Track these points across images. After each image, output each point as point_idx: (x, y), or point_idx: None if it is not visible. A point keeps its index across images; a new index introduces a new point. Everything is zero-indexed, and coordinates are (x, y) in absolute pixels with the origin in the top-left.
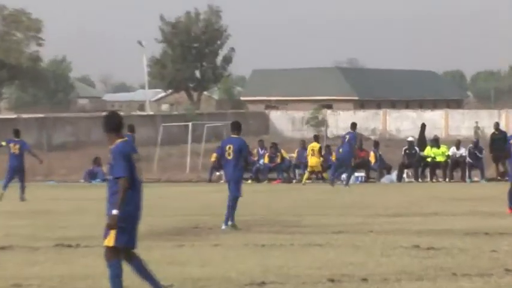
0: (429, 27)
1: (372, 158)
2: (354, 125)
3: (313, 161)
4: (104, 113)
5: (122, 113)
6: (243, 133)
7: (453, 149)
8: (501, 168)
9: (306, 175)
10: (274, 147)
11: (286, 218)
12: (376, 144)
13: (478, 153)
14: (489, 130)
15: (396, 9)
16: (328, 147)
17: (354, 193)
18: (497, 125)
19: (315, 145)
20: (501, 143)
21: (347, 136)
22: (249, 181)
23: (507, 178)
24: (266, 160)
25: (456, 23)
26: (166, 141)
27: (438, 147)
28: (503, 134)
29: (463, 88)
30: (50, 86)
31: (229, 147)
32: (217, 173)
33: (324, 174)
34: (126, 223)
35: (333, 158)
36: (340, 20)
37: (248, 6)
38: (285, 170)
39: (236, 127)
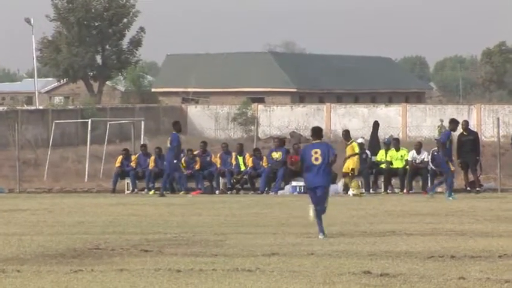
0: (385, 4)
1: None
2: (453, 122)
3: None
4: None
5: (4, 107)
6: (154, 132)
7: (413, 153)
8: (471, 177)
9: (355, 183)
10: (204, 146)
11: (207, 237)
12: None
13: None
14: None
15: None
16: (257, 150)
17: (290, 207)
18: (466, 124)
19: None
20: (471, 146)
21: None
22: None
23: (478, 188)
24: (183, 165)
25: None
26: (60, 142)
27: (397, 149)
28: (474, 134)
29: (424, 78)
30: None
31: (316, 152)
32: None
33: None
34: None
35: (264, 163)
36: None
37: None
38: (206, 179)
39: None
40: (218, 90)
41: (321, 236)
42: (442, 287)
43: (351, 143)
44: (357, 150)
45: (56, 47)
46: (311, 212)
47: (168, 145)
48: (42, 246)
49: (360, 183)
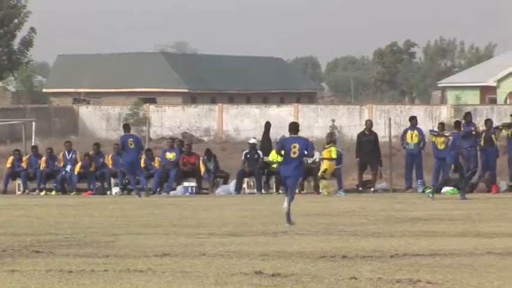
0: (276, 4)
1: (201, 169)
2: (457, 124)
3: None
4: None
5: None
6: (45, 132)
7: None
8: (366, 177)
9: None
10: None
11: (99, 238)
12: (208, 152)
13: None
14: (348, 130)
15: None
16: (149, 151)
17: (182, 207)
18: (369, 124)
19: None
20: (371, 146)
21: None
22: (53, 192)
23: (372, 188)
24: (77, 170)
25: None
26: None
27: None
28: (374, 135)
29: (316, 79)
30: None
31: (295, 146)
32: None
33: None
34: None
35: (157, 164)
36: None
37: None
38: (98, 179)
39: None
40: (110, 91)
41: (287, 225)
42: (334, 287)
43: (330, 147)
44: (334, 155)
45: None
46: (285, 204)
47: (131, 146)
48: None
49: (331, 183)
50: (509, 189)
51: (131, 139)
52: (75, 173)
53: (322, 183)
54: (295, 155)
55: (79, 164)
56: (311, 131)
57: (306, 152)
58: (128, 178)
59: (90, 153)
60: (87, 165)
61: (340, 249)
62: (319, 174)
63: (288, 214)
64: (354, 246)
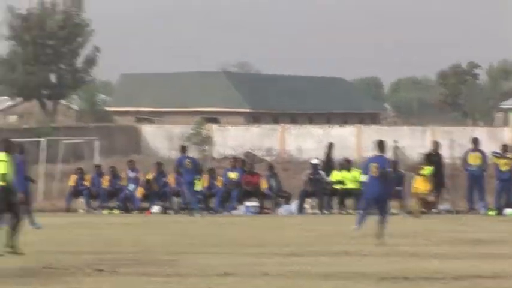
0: (339, 25)
1: (263, 184)
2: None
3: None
4: None
5: None
6: (108, 151)
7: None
8: (431, 198)
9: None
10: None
11: (161, 256)
12: (271, 168)
13: (396, 180)
14: (411, 151)
15: (296, 2)
16: (212, 170)
17: (244, 227)
18: (437, 145)
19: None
20: (437, 167)
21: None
22: (115, 211)
23: (435, 210)
24: (140, 194)
25: (371, 20)
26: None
27: (348, 170)
28: (439, 156)
29: (379, 99)
30: None
31: (374, 166)
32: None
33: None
34: None
35: (219, 183)
36: (228, 14)
37: None
38: (161, 198)
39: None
40: (172, 110)
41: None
42: None
43: (425, 166)
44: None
45: (11, 66)
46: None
47: (188, 167)
48: None
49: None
50: None
51: (188, 160)
52: (137, 196)
53: (415, 204)
54: (376, 174)
55: (140, 189)
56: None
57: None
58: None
59: (150, 177)
60: (148, 188)
61: (402, 271)
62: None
63: (379, 234)
64: (416, 268)
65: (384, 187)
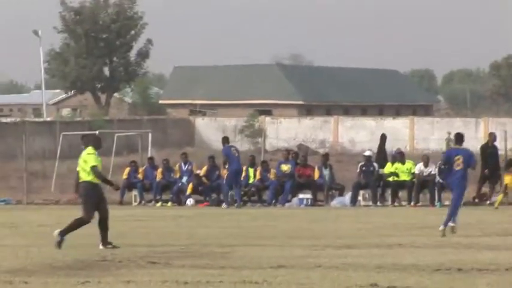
0: (392, 17)
1: (315, 174)
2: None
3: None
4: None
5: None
6: (161, 144)
7: (420, 166)
8: (484, 190)
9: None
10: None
11: (214, 249)
12: (325, 158)
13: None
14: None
15: None
16: (265, 162)
17: (297, 219)
18: (494, 137)
19: None
20: (493, 159)
21: None
22: (168, 203)
23: (488, 201)
24: (189, 191)
25: (425, 11)
26: (68, 153)
27: (403, 162)
28: (495, 148)
29: (432, 91)
30: None
31: (458, 158)
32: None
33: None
34: None
35: (272, 176)
36: (281, 6)
37: None
38: (214, 191)
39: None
40: (225, 103)
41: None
42: None
43: None
44: None
45: (64, 59)
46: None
47: (235, 155)
48: (50, 258)
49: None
50: None
51: (233, 148)
52: (193, 200)
53: (499, 197)
54: (459, 167)
55: (191, 185)
56: (427, 144)
57: (469, 164)
58: (244, 190)
59: (203, 170)
60: (199, 183)
61: (456, 262)
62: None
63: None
64: (469, 259)
65: (466, 180)
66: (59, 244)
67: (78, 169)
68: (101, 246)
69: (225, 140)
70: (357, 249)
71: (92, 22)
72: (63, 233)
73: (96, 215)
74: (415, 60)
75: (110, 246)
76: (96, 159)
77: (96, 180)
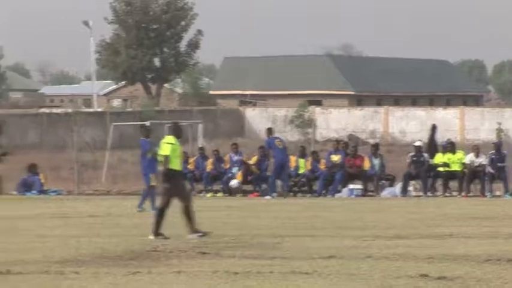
0: (443, 6)
1: (365, 164)
2: None
3: None
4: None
5: (63, 110)
6: (212, 134)
7: (470, 156)
8: None
9: None
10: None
11: (265, 239)
12: (375, 148)
13: (500, 161)
14: None
15: None
16: (315, 153)
17: (347, 210)
18: None
19: None
20: None
21: None
22: (219, 194)
23: None
24: (239, 178)
25: (477, 2)
26: (118, 144)
27: (453, 152)
28: None
29: (483, 81)
30: None
31: None
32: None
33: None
34: None
35: (322, 166)
36: None
37: None
38: (264, 181)
39: None
40: (276, 93)
41: None
42: None
43: None
44: None
45: (115, 50)
46: None
47: (279, 146)
48: (100, 248)
49: None
50: None
51: (278, 139)
52: (237, 180)
53: None
54: None
55: (239, 173)
56: (477, 134)
57: None
58: (294, 180)
59: (254, 160)
60: (247, 173)
61: (506, 253)
62: None
63: None
64: None
65: None
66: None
67: (159, 158)
68: (189, 236)
69: (269, 131)
70: (407, 239)
71: (142, 13)
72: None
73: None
74: (466, 51)
75: (200, 234)
76: (169, 149)
77: (179, 168)
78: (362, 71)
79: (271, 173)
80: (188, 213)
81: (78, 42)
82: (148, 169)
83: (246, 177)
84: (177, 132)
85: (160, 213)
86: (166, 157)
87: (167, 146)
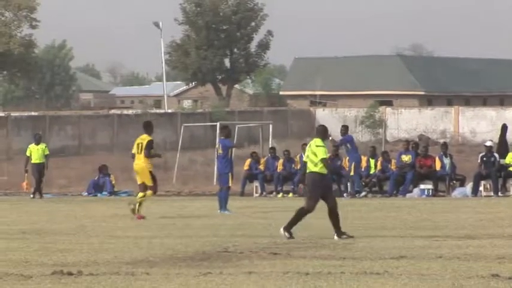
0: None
1: (437, 165)
2: None
3: None
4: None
5: (133, 111)
6: (282, 135)
7: None
8: None
9: None
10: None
11: (335, 240)
12: (445, 147)
13: None
14: None
15: None
16: (386, 153)
17: (418, 210)
18: None
19: None
20: None
21: None
22: (290, 194)
23: None
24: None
25: None
26: (189, 145)
27: None
28: None
29: None
30: (45, 78)
31: None
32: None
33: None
34: None
35: (393, 166)
36: None
37: None
38: (336, 181)
39: None
40: (346, 93)
41: None
42: None
43: None
44: None
45: (185, 51)
46: None
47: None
48: (172, 249)
49: None
50: None
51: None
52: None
53: None
54: None
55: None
56: None
57: None
58: (365, 181)
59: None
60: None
61: None
62: None
63: None
64: None
65: None
66: (290, 237)
67: (305, 160)
68: (335, 238)
69: (345, 129)
70: (478, 239)
71: (212, 14)
72: (289, 228)
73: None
74: None
75: (344, 236)
76: (326, 152)
77: (324, 171)
78: (432, 71)
79: (354, 172)
80: (335, 216)
81: (149, 43)
82: (226, 169)
83: None
84: (324, 134)
85: (304, 214)
86: (326, 160)
87: (321, 149)
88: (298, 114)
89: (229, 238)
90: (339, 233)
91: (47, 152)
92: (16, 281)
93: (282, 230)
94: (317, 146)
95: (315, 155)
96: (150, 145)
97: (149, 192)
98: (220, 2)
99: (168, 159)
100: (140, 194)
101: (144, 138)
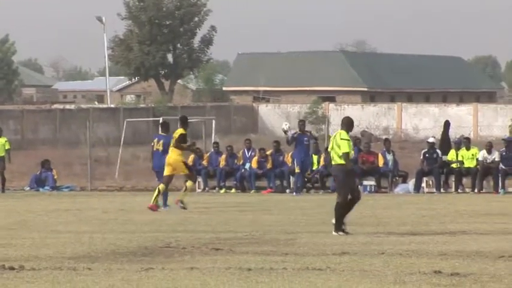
0: (456, 4)
1: (379, 161)
2: None
3: None
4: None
5: (76, 106)
6: (225, 130)
7: (483, 153)
8: None
9: None
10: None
11: (277, 236)
12: (387, 143)
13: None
14: None
15: None
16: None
17: (361, 206)
18: None
19: None
20: None
21: None
22: (233, 190)
23: None
24: (254, 165)
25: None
26: (131, 140)
27: (468, 148)
28: None
29: (496, 78)
30: None
31: None
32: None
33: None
34: None
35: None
36: None
37: None
38: (278, 177)
39: None
40: (289, 89)
41: None
42: None
43: None
44: None
45: (128, 46)
46: None
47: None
48: (113, 244)
49: None
50: None
51: (306, 138)
52: (253, 167)
53: None
54: None
55: (255, 159)
56: (490, 130)
57: None
58: (307, 176)
59: (269, 152)
60: (263, 162)
61: None
62: None
63: None
64: None
65: None
66: (346, 234)
67: (329, 150)
68: (333, 233)
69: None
70: (420, 236)
71: (155, 9)
72: (339, 228)
73: None
74: (479, 47)
75: (341, 233)
76: (349, 146)
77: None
78: (375, 67)
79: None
80: (348, 208)
81: (91, 38)
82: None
83: (261, 164)
84: (349, 126)
85: (342, 208)
86: (347, 154)
87: (345, 142)
88: (241, 110)
89: (172, 233)
90: (338, 227)
91: (8, 147)
92: None
93: (333, 233)
94: (341, 138)
95: (339, 147)
96: (181, 138)
97: (189, 183)
98: None
99: (111, 154)
100: (183, 189)
101: (178, 132)
